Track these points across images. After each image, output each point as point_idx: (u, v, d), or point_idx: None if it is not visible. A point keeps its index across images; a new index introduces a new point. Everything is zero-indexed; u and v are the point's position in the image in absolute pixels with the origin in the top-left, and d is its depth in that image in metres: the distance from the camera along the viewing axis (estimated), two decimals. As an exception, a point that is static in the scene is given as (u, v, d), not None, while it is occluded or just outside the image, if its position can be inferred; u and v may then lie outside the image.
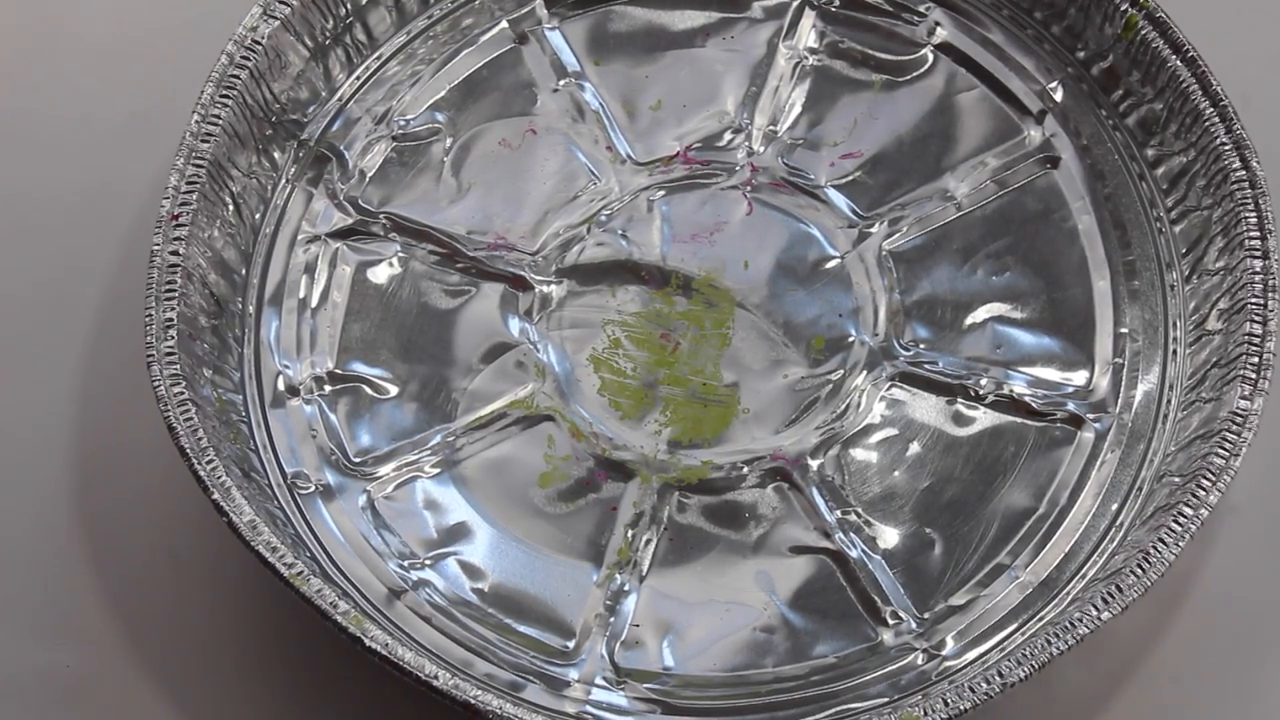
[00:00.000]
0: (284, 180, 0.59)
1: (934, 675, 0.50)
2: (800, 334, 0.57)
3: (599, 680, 0.51)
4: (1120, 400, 0.55)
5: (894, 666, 0.51)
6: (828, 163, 0.59)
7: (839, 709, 0.50)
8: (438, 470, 0.54)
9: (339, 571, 0.52)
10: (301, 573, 0.48)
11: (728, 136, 0.60)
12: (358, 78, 0.60)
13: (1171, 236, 0.57)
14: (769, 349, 0.56)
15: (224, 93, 0.56)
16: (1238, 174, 0.54)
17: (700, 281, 0.57)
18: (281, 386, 0.55)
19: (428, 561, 0.53)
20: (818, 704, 0.50)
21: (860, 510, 0.54)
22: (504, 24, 0.62)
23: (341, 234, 0.58)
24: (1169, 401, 0.55)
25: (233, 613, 0.54)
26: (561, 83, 0.61)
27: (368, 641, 0.47)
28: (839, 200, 0.59)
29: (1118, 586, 0.48)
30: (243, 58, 0.57)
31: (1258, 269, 0.53)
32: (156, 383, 0.51)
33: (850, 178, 0.59)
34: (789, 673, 0.51)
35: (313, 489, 0.54)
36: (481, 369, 0.56)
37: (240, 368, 0.55)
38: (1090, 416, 0.55)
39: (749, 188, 0.59)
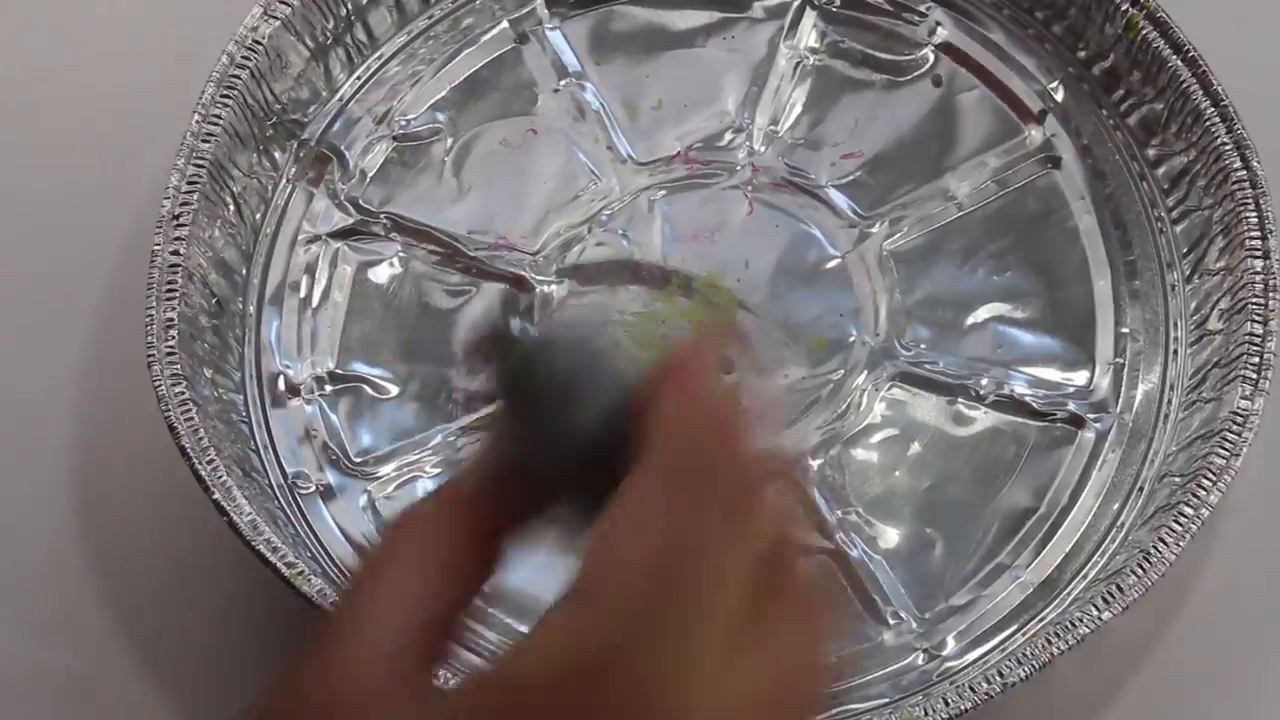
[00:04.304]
0: (285, 180, 0.59)
1: (935, 675, 0.50)
2: (801, 334, 0.57)
3: (600, 680, 0.51)
4: (1121, 400, 0.55)
5: (895, 666, 0.51)
6: (828, 162, 0.59)
7: (840, 709, 0.50)
8: (439, 470, 0.54)
9: (340, 572, 0.52)
10: (302, 572, 0.48)
11: (728, 136, 0.60)
12: (358, 78, 0.60)
13: (1172, 236, 0.57)
14: (769, 349, 0.56)
15: (225, 93, 0.56)
16: (1238, 174, 0.54)
17: (701, 281, 0.57)
18: (282, 386, 0.55)
19: (428, 561, 0.52)
20: (819, 704, 0.50)
21: (861, 510, 0.54)
22: (505, 24, 0.62)
23: (342, 234, 0.58)
24: (1170, 401, 0.55)
25: (233, 613, 0.54)
26: (562, 83, 0.61)
27: (368, 641, 0.47)
28: (840, 200, 0.59)
29: (1118, 586, 0.48)
30: (243, 58, 0.57)
31: (1258, 269, 0.53)
32: (157, 383, 0.51)
33: (851, 177, 0.59)
34: (790, 673, 0.51)
35: (313, 489, 0.54)
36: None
37: (241, 368, 0.55)
38: (1091, 416, 0.55)
39: (750, 187, 0.59)
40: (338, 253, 0.58)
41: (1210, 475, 0.50)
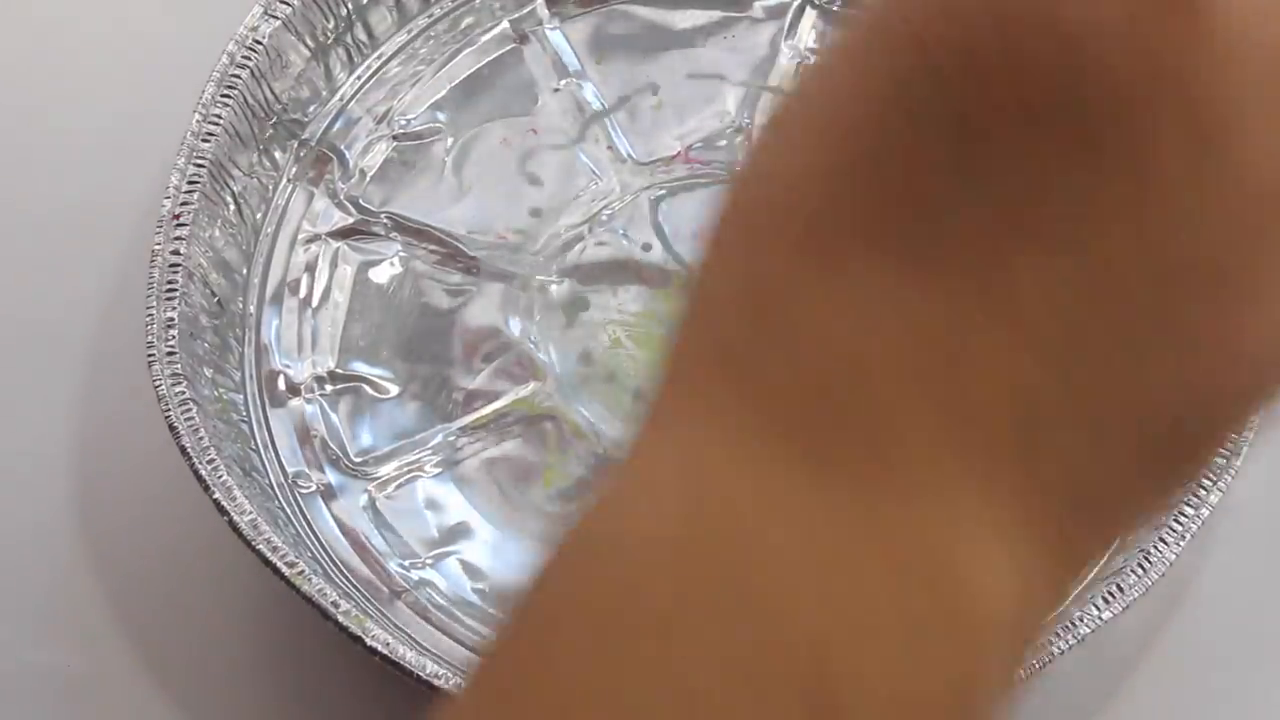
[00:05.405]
0: (285, 180, 0.59)
1: (935, 675, 0.50)
2: (801, 334, 0.56)
3: (600, 680, 0.51)
4: (1121, 400, 0.55)
5: (895, 666, 0.51)
6: (828, 163, 0.59)
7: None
8: (439, 470, 0.54)
9: (340, 571, 0.52)
10: (303, 572, 0.48)
11: (729, 136, 0.60)
12: (359, 77, 0.61)
13: (1172, 237, 0.57)
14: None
15: (225, 92, 0.56)
16: (1238, 174, 0.54)
17: (701, 281, 0.57)
18: (282, 386, 0.55)
19: (429, 561, 0.53)
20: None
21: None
22: (505, 24, 0.62)
23: (343, 233, 0.58)
24: (1170, 401, 0.54)
25: (233, 613, 0.54)
26: (562, 82, 0.61)
27: (368, 641, 0.47)
28: (840, 200, 0.59)
29: (1119, 586, 0.48)
30: (244, 57, 0.57)
31: (1258, 269, 0.53)
32: (157, 382, 0.51)
33: (851, 178, 0.59)
34: (790, 672, 0.51)
35: (313, 489, 0.54)
36: (482, 368, 0.56)
37: (241, 367, 0.55)
38: (1091, 416, 0.55)
39: (750, 188, 0.59)
40: (338, 252, 0.58)
41: (1210, 475, 0.50)
